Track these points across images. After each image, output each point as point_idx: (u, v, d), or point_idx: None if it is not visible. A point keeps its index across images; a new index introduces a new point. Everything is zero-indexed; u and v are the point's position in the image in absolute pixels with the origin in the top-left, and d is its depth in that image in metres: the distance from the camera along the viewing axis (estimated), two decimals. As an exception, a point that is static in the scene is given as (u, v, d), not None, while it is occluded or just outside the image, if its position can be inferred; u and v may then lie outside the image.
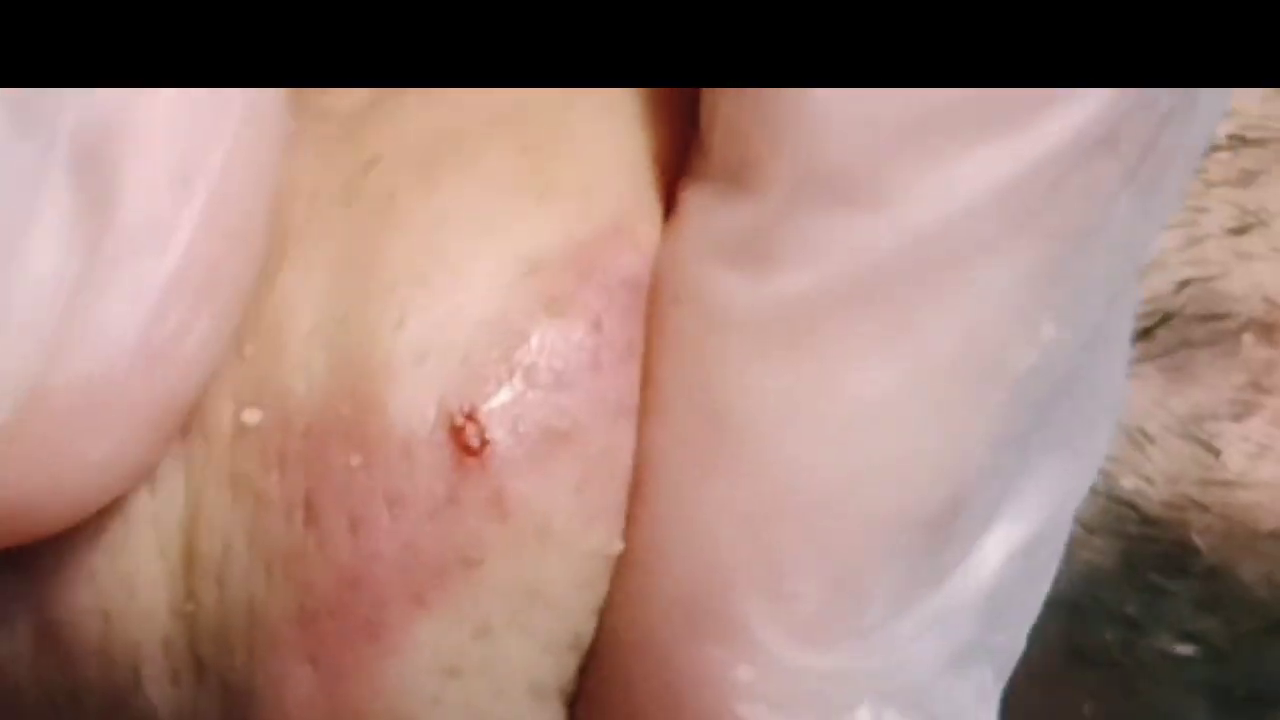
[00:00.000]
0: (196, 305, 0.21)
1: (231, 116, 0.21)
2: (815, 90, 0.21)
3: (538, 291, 0.22)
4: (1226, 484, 0.30)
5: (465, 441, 0.22)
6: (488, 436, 0.22)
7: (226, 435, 0.22)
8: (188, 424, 0.22)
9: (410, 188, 0.23)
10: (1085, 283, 0.22)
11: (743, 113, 0.22)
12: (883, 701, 0.22)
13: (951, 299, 0.21)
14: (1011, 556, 0.23)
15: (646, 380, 0.22)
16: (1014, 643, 0.24)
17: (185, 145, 0.21)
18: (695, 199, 0.23)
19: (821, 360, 0.21)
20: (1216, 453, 0.30)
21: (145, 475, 0.22)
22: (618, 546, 0.22)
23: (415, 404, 0.21)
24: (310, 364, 0.22)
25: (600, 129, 0.24)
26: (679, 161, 0.24)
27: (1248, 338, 0.31)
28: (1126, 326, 0.24)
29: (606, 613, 0.22)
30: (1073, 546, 0.27)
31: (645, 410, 0.22)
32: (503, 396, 0.22)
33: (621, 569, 0.22)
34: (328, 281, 0.22)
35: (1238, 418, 0.31)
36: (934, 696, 0.22)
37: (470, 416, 0.22)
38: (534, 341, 0.22)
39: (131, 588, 0.22)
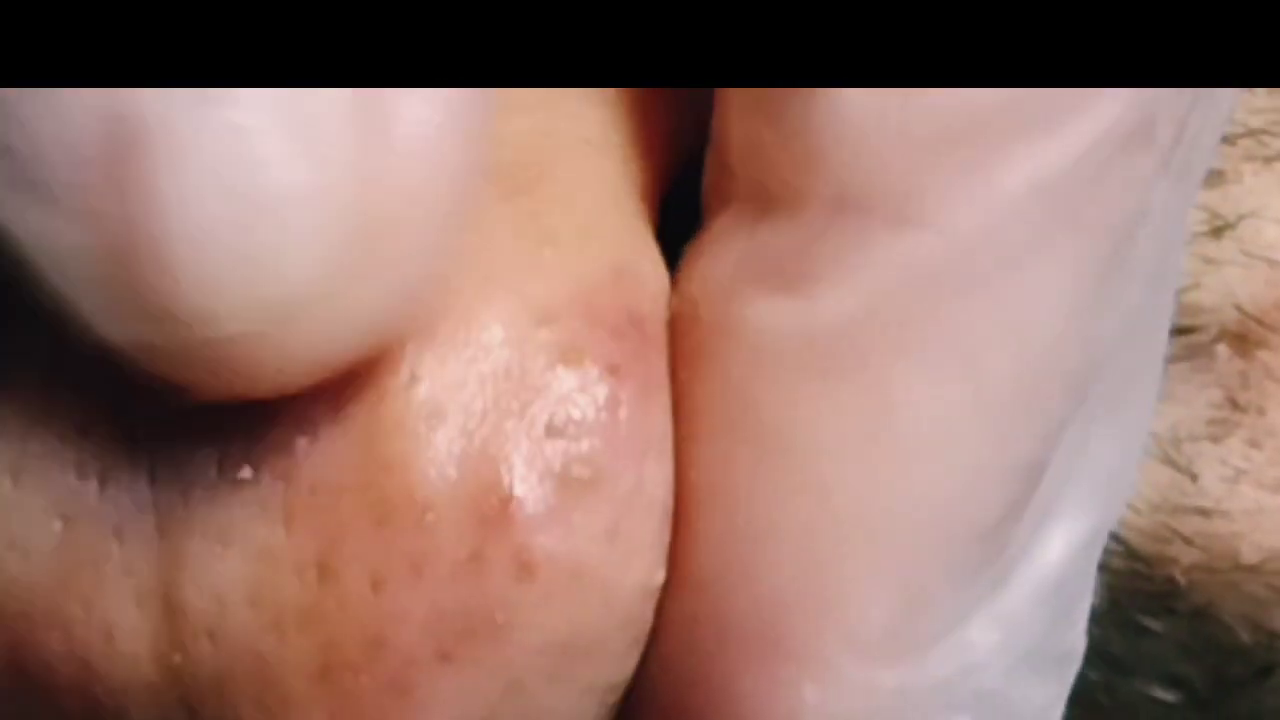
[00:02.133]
0: None
1: None
2: (845, 104, 0.21)
3: (550, 342, 0.22)
4: (1205, 512, 0.29)
5: (487, 500, 0.21)
6: (510, 493, 0.21)
7: (213, 486, 0.21)
8: (154, 468, 0.21)
9: None
10: (1129, 271, 0.22)
11: (769, 131, 0.21)
12: (955, 710, 0.22)
13: (1003, 307, 0.21)
14: (1073, 549, 0.23)
15: (686, 409, 0.22)
16: (1078, 642, 0.23)
17: None
18: (726, 223, 0.22)
19: (874, 381, 0.21)
20: (1194, 477, 0.29)
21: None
22: (659, 579, 0.22)
23: (435, 464, 0.21)
24: (312, 420, 0.21)
25: (583, 168, 0.23)
26: (662, 192, 0.23)
27: (1221, 349, 0.29)
28: (1167, 308, 0.24)
29: (653, 643, 0.22)
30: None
31: (687, 438, 0.22)
32: (523, 451, 0.21)
33: (668, 598, 0.22)
34: None
35: (1215, 439, 0.29)
36: (1009, 698, 0.22)
37: (491, 475, 0.21)
38: (550, 393, 0.22)
39: (110, 636, 0.22)
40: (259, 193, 0.19)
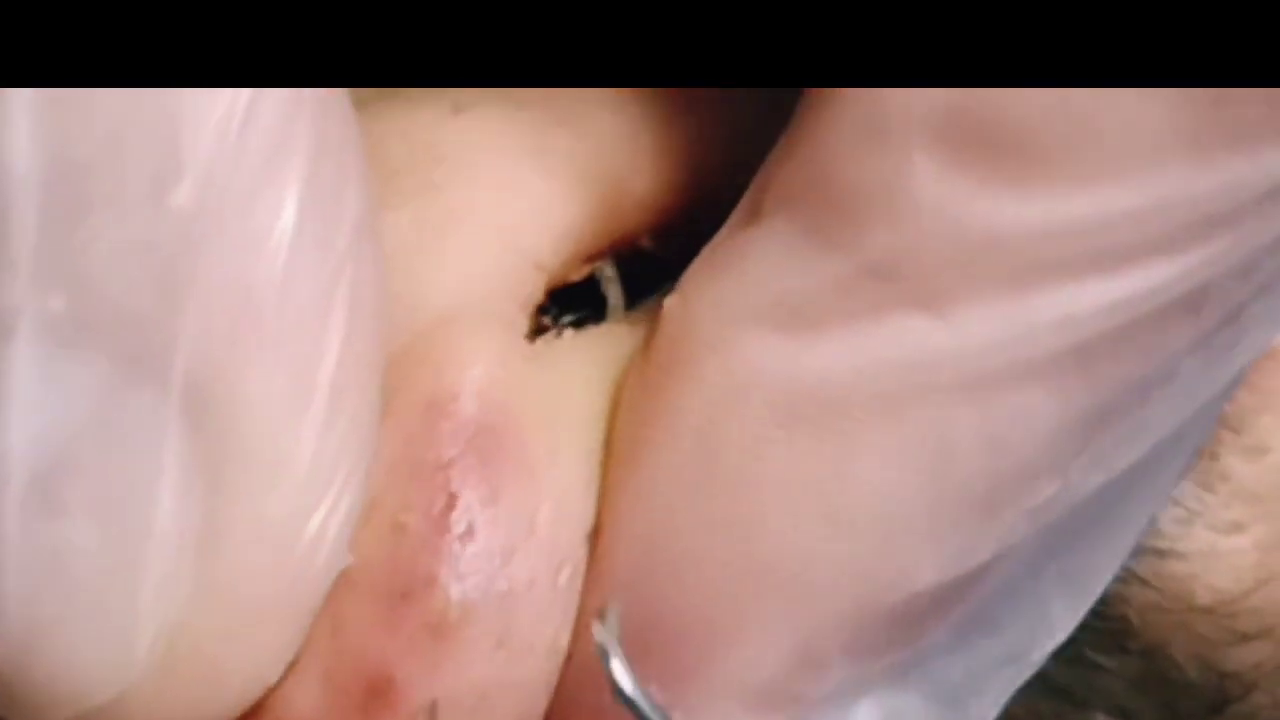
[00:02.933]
0: (328, 512, 0.20)
1: (338, 321, 0.20)
2: (918, 183, 0.20)
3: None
4: (1160, 553, 0.29)
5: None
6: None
7: None
8: None
9: None
10: (1131, 429, 0.21)
11: (836, 171, 0.21)
12: None
13: (991, 420, 0.21)
14: (984, 667, 0.23)
15: (650, 410, 0.22)
16: None
17: (297, 364, 0.20)
18: (752, 241, 0.22)
19: (839, 445, 0.21)
20: (1151, 518, 0.29)
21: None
22: (565, 639, 0.22)
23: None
24: None
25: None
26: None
27: None
28: (1166, 478, 0.23)
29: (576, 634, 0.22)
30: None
31: (644, 440, 0.22)
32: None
33: (587, 592, 0.22)
34: None
35: (1169, 481, 0.29)
36: None
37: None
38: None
39: None
40: (78, 594, 0.20)
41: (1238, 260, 0.21)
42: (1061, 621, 0.23)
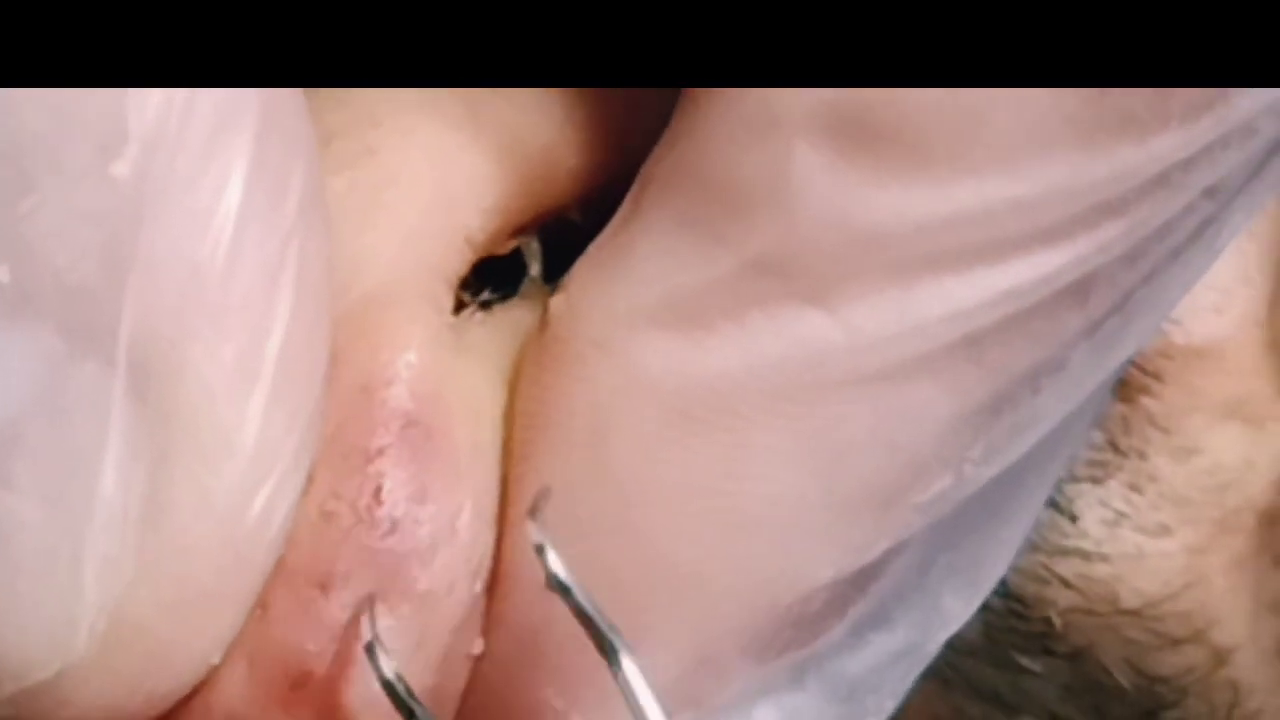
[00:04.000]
0: (273, 491, 0.20)
1: (285, 298, 0.20)
2: (802, 176, 0.20)
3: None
4: (1085, 555, 0.29)
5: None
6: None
7: None
8: None
9: None
10: (1022, 419, 0.21)
11: (718, 168, 0.21)
12: None
13: (882, 416, 0.20)
14: (881, 661, 0.23)
15: (539, 414, 0.21)
16: None
17: (243, 340, 0.20)
18: (635, 239, 0.21)
19: (733, 445, 0.21)
20: (1074, 518, 0.29)
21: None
22: (479, 646, 0.22)
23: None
24: None
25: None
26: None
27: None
28: (1055, 466, 0.23)
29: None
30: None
31: (534, 444, 0.21)
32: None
33: (491, 597, 0.22)
34: None
35: (1096, 480, 0.29)
36: None
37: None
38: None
39: None
40: (21, 570, 0.20)
41: (1126, 248, 0.20)
42: (954, 612, 0.23)
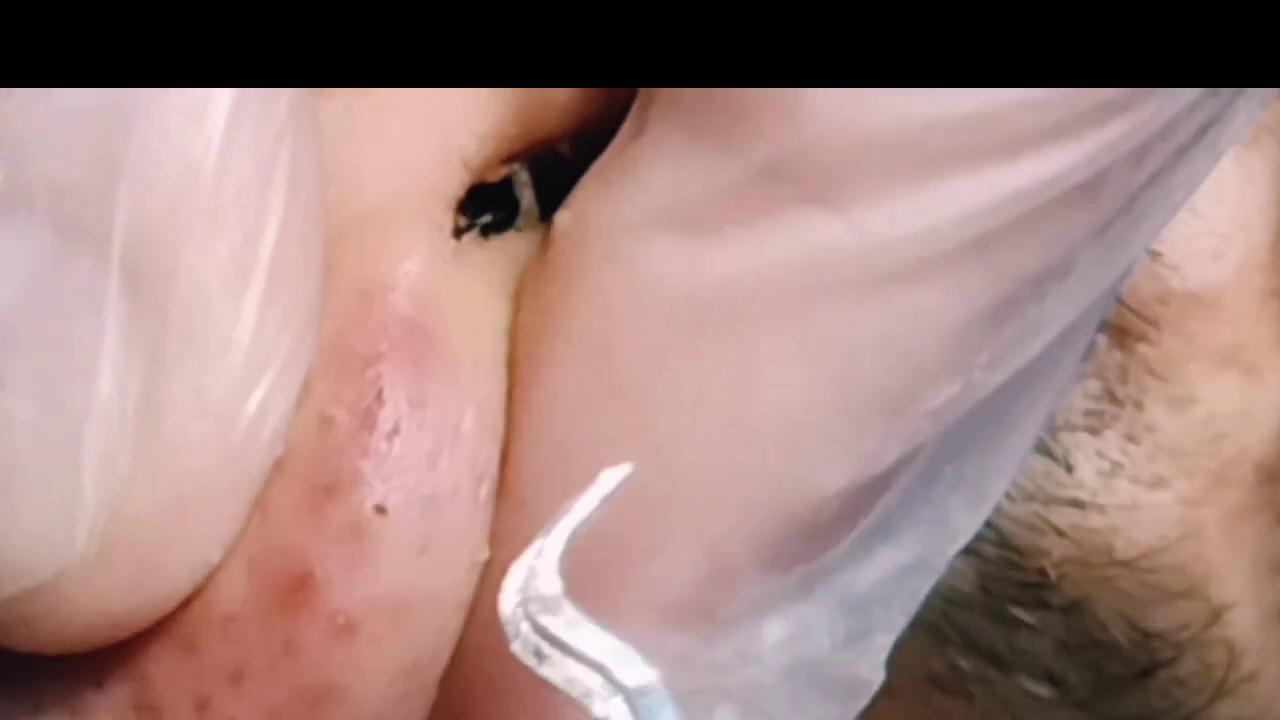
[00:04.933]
0: (269, 390, 0.20)
1: (278, 196, 0.20)
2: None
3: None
4: (1080, 505, 0.28)
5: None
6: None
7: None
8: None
9: None
10: (1029, 325, 0.21)
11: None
12: (723, 696, 0.22)
13: (891, 318, 0.20)
14: (887, 575, 0.22)
15: (549, 328, 0.21)
16: (870, 674, 0.23)
17: (237, 237, 0.20)
18: (642, 151, 0.21)
19: (743, 350, 0.21)
20: (1070, 467, 0.28)
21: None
22: (484, 554, 0.21)
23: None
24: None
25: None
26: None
27: (1101, 340, 0.29)
28: (1059, 377, 0.23)
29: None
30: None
31: (543, 358, 0.21)
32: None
33: (496, 513, 0.22)
34: None
35: (1092, 430, 0.29)
36: (779, 703, 0.22)
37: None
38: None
39: None
40: (18, 470, 0.19)
41: (1133, 146, 0.20)
42: (961, 526, 0.22)
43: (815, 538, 0.21)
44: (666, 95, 0.21)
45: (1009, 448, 0.23)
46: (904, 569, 0.22)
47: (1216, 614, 0.29)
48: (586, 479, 0.20)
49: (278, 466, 0.20)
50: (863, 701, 0.22)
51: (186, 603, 0.21)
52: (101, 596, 0.20)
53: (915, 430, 0.21)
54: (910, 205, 0.20)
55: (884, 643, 0.22)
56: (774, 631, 0.22)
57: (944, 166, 0.20)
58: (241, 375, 0.20)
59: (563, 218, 0.21)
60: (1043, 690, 0.29)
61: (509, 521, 0.21)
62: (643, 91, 0.21)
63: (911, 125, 0.20)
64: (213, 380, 0.20)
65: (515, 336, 0.22)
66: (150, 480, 0.20)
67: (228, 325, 0.20)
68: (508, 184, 0.23)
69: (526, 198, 0.23)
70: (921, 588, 0.23)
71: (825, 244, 0.20)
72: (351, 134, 0.22)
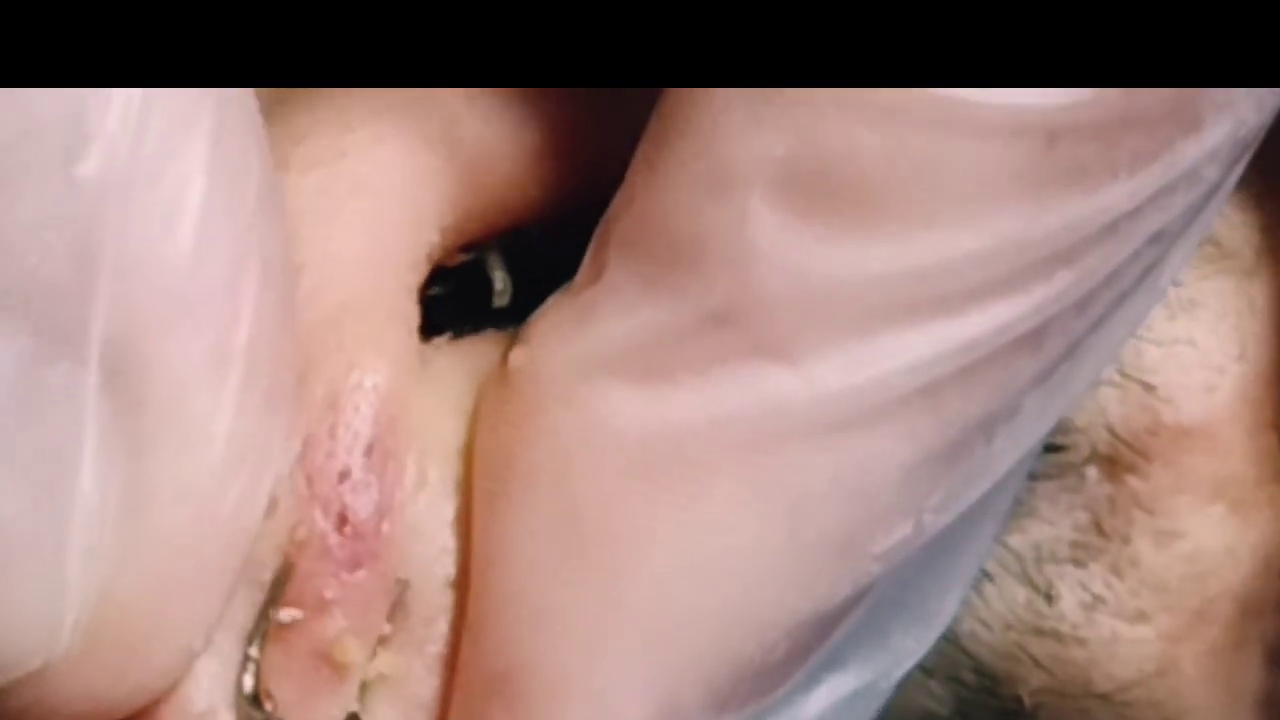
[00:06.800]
0: (250, 477, 0.21)
1: (250, 285, 0.20)
2: (758, 232, 0.21)
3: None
4: (1060, 638, 0.28)
5: None
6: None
7: None
8: None
9: None
10: (977, 467, 0.22)
11: (678, 221, 0.21)
12: None
13: (843, 463, 0.21)
14: (834, 703, 0.23)
15: (502, 466, 0.22)
16: None
17: (213, 330, 0.20)
18: (601, 294, 0.22)
19: (697, 496, 0.21)
20: (1052, 599, 0.28)
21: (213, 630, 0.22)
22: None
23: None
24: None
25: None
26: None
27: (1091, 472, 0.28)
28: (1004, 503, 0.24)
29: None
30: (910, 690, 0.27)
31: (499, 495, 0.22)
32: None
33: (464, 643, 0.22)
34: None
35: (1078, 563, 0.28)
36: None
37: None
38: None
39: None
40: (3, 565, 0.20)
41: (1077, 296, 0.21)
42: (905, 649, 0.23)
43: (766, 675, 0.22)
44: (620, 238, 0.21)
45: (952, 573, 0.23)
46: (853, 695, 0.23)
47: (1192, 749, 0.29)
48: (538, 618, 0.21)
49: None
50: None
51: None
52: (88, 686, 0.20)
53: (866, 571, 0.21)
54: (860, 356, 0.20)
55: None
56: None
57: (894, 319, 0.20)
58: (222, 464, 0.20)
59: (518, 355, 0.22)
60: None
61: (466, 654, 0.22)
62: (599, 232, 0.22)
63: (860, 279, 0.20)
64: (193, 471, 0.20)
65: (472, 467, 0.22)
66: (134, 571, 0.20)
67: (206, 416, 0.20)
68: (475, 265, 0.24)
69: (499, 279, 0.24)
70: (869, 710, 0.23)
71: (776, 393, 0.21)
72: (323, 216, 0.22)
